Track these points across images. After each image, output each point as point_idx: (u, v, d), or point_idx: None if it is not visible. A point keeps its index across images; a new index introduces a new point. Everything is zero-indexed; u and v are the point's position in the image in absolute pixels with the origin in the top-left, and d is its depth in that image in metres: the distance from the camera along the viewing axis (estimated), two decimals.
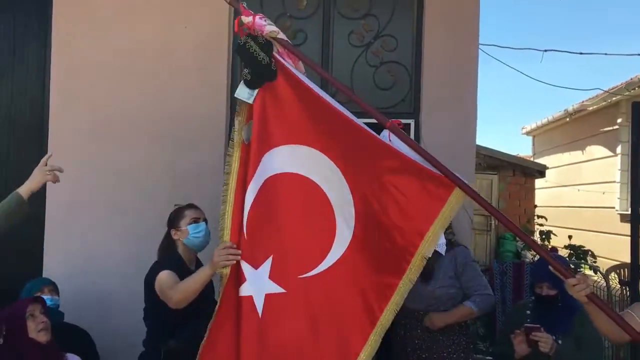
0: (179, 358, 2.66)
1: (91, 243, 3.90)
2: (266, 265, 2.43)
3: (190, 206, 3.03)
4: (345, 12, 4.16)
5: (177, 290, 2.63)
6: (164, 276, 2.74)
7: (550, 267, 2.24)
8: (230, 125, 4.06)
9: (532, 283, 3.18)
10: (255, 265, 2.45)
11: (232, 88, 4.09)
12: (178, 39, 4.05)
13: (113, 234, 3.94)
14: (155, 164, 3.90)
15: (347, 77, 4.12)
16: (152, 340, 2.87)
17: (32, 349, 2.49)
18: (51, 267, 3.94)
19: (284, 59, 2.47)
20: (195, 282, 2.61)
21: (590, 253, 7.24)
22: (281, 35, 2.43)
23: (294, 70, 2.48)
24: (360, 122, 2.48)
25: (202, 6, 4.03)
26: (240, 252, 2.46)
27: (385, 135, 2.42)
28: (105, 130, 4.04)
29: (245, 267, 2.46)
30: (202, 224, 2.95)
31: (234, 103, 4.11)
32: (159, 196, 3.83)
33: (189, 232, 2.91)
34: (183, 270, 2.83)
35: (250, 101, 2.46)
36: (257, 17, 2.40)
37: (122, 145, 4.03)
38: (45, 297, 3.08)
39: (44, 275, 3.77)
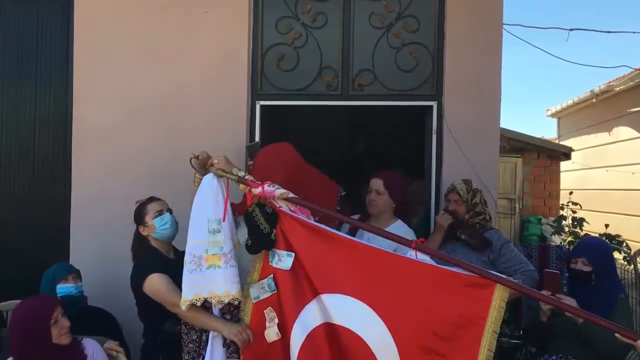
0: (175, 339, 2.67)
1: (115, 230, 3.92)
2: None
3: (152, 199, 3.03)
4: None
5: (186, 307, 2.55)
6: (156, 280, 2.73)
7: (617, 335, 2.19)
8: (251, 113, 4.07)
9: (569, 259, 3.12)
10: None
11: (252, 76, 4.09)
12: (198, 28, 4.05)
13: None
14: (177, 153, 3.90)
15: (368, 60, 4.08)
16: (150, 331, 2.93)
17: (55, 353, 2.54)
18: (76, 254, 3.99)
19: (298, 214, 2.52)
20: (203, 322, 2.58)
21: (625, 244, 7.09)
22: (292, 195, 2.51)
23: (310, 221, 2.52)
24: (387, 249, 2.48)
25: None
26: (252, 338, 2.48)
27: (413, 255, 2.36)
28: (129, 118, 4.07)
29: None
30: (167, 215, 2.96)
31: (254, 92, 4.11)
32: (181, 184, 3.83)
33: (156, 227, 2.93)
34: (162, 262, 2.88)
35: (288, 267, 2.48)
36: (265, 186, 2.49)
37: (144, 134, 4.06)
38: (69, 284, 3.21)
39: (70, 262, 3.82)
